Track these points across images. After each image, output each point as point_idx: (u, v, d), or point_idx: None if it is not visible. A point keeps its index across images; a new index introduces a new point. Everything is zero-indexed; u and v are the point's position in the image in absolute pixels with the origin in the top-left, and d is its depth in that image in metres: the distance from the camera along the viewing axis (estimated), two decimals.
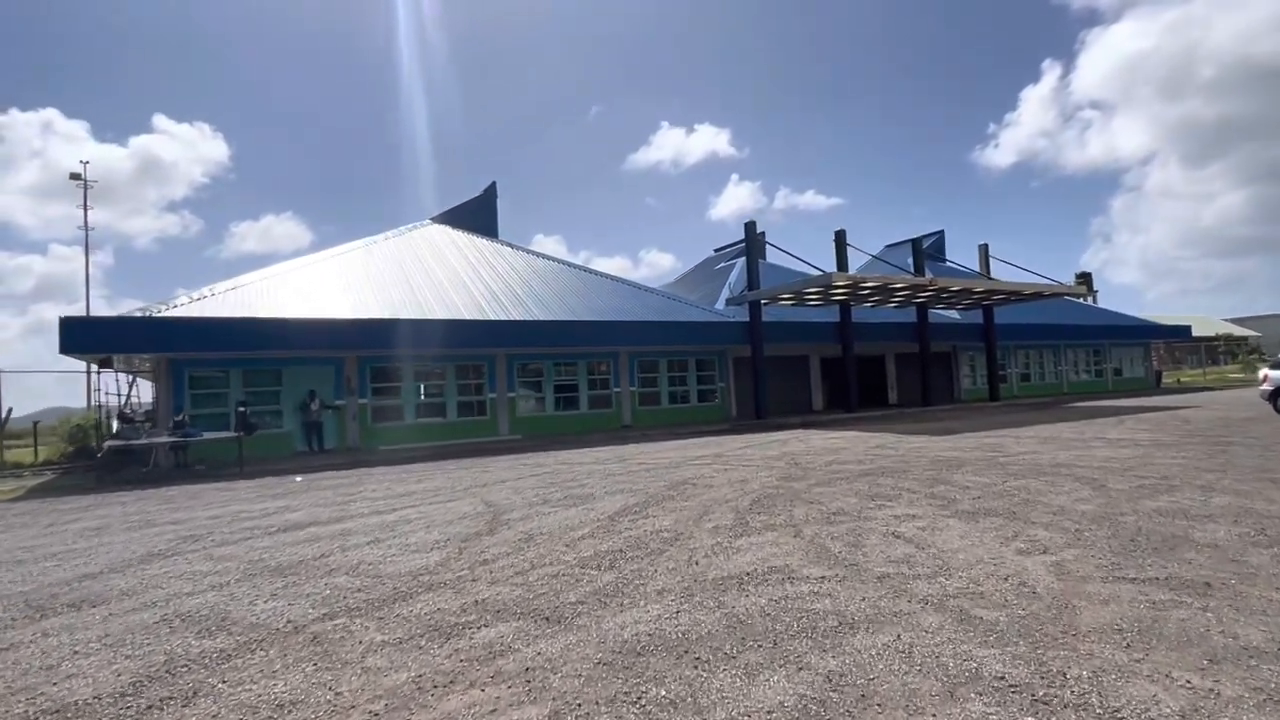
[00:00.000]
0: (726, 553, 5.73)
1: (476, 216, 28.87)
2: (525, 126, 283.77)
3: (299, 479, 12.66)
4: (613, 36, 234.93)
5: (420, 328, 18.02)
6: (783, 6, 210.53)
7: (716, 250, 38.48)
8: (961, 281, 23.34)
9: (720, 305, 25.25)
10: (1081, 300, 41.26)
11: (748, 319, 22.73)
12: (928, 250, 29.40)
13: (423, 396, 19.43)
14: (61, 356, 15.80)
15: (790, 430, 18.73)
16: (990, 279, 25.78)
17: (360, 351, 18.05)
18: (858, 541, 5.87)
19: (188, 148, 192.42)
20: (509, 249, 26.29)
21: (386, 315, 18.21)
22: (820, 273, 20.46)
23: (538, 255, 26.09)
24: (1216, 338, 63.10)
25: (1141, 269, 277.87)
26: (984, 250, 28.75)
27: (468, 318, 19.10)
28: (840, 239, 24.27)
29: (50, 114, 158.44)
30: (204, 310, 17.12)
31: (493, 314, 19.80)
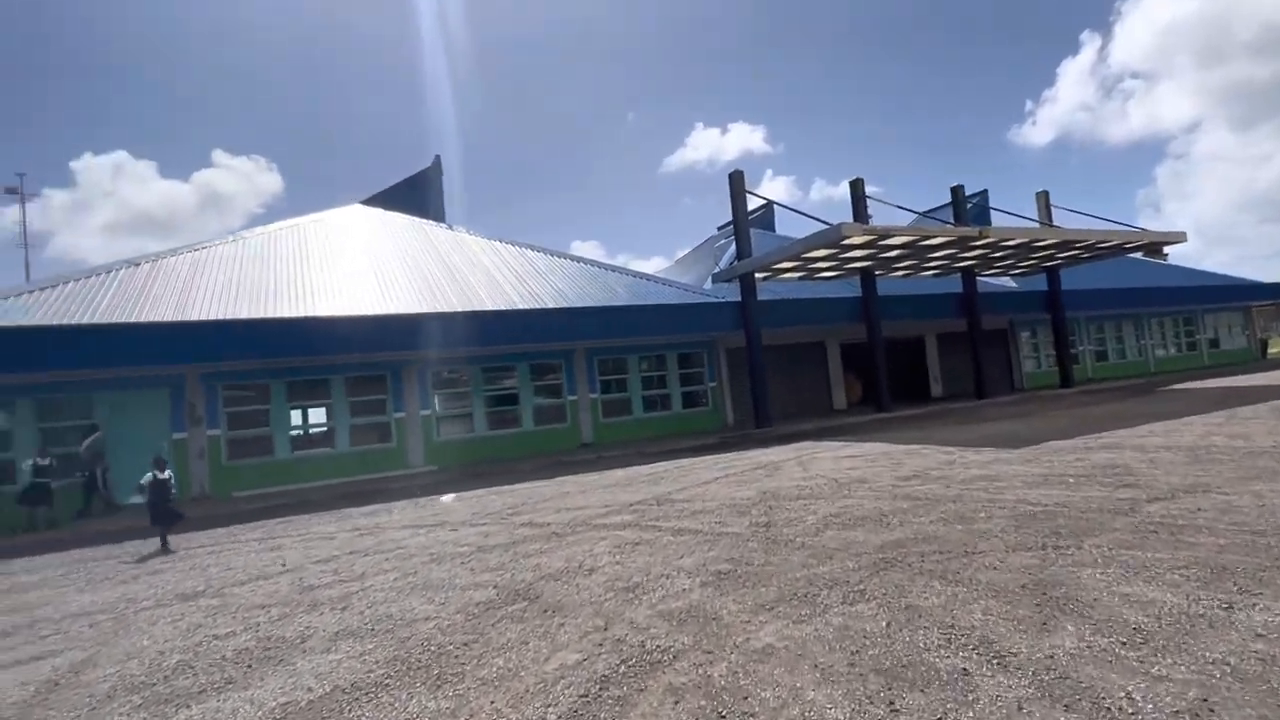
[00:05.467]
0: None
1: (414, 198, 24.14)
2: (561, 137, 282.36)
3: None
4: (642, 37, 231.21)
5: (286, 329, 13.34)
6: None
7: (720, 228, 33.18)
8: (1023, 232, 17.62)
9: (708, 285, 20.04)
10: (1159, 260, 34.81)
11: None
12: (971, 211, 23.65)
13: (299, 422, 14.62)
14: None
15: (796, 443, 13.51)
16: (1058, 228, 20.02)
17: (205, 365, 13.43)
18: None
19: (244, 180, 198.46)
20: (437, 227, 21.36)
21: (244, 315, 13.57)
22: (828, 226, 15.12)
23: (472, 234, 21.02)
24: None
25: (1196, 236, 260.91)
26: (1043, 198, 22.90)
27: (361, 313, 14.35)
28: (857, 187, 18.81)
29: (120, 156, 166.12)
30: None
31: (394, 307, 15.00)
